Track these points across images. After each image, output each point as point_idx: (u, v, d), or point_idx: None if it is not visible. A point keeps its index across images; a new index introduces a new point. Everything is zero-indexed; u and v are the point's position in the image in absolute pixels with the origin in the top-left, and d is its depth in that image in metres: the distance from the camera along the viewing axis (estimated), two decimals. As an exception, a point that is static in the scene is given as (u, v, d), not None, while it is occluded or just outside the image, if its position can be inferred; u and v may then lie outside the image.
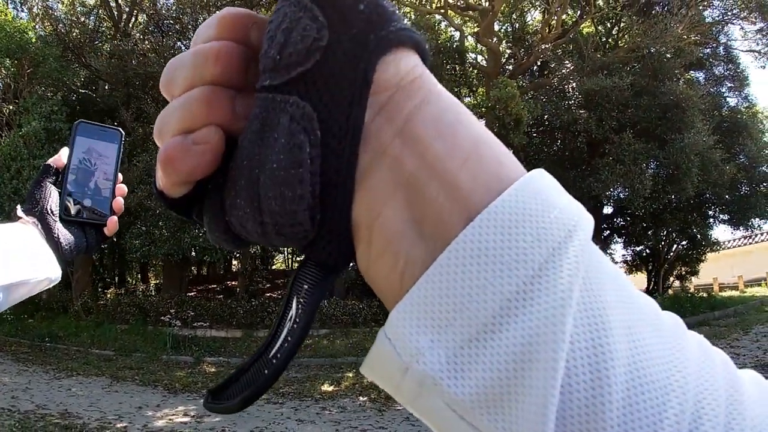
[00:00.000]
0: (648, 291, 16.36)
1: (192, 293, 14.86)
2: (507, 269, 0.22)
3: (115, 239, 11.23)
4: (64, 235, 0.82)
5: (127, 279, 17.48)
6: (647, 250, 18.06)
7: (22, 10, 17.06)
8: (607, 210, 16.86)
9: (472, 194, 0.23)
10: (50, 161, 0.85)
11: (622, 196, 14.49)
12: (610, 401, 0.21)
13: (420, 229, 0.24)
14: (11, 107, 14.84)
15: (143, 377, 9.21)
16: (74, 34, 15.65)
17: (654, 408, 0.21)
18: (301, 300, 0.26)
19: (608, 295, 0.23)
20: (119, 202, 0.89)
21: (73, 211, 0.84)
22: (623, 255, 20.09)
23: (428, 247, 0.23)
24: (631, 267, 19.40)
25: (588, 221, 0.24)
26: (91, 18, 16.34)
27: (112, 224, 0.88)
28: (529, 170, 0.26)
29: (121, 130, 0.91)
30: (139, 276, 17.42)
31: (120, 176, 0.90)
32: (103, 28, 16.12)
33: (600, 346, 0.21)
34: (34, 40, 15.18)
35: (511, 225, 0.22)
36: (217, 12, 0.28)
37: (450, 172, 0.24)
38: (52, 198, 0.83)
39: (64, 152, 0.86)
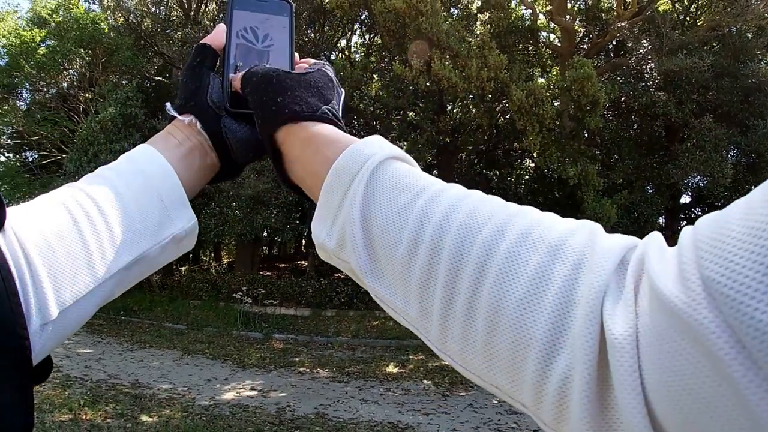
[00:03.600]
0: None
1: (263, 272, 15.18)
2: (336, 191, 0.46)
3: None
4: (234, 132, 0.61)
5: (201, 257, 18.06)
6: (724, 243, 17.05)
7: (94, 3, 17.93)
8: (685, 199, 15.93)
9: (323, 166, 0.49)
10: (205, 40, 0.65)
11: (701, 184, 13.65)
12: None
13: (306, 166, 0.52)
14: (87, 95, 15.65)
15: (213, 351, 9.44)
16: (146, 23, 16.27)
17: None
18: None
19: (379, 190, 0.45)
20: None
21: (242, 101, 0.62)
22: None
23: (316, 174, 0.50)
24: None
25: (377, 155, 0.45)
26: (162, 8, 16.92)
27: None
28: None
29: (290, 1, 0.69)
30: (213, 254, 17.93)
31: (296, 55, 0.69)
32: (174, 17, 16.65)
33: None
34: (106, 30, 15.92)
35: (337, 169, 0.46)
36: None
37: (312, 154, 0.51)
38: (213, 86, 0.62)
39: (220, 30, 0.65)
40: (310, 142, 0.52)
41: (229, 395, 6.79)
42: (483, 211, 0.39)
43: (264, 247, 18.56)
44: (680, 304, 0.26)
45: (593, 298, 0.31)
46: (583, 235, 0.35)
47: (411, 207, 0.42)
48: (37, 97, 17.31)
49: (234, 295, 12.35)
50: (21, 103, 17.86)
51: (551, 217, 0.39)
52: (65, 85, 16.75)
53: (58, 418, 5.29)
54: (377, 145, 0.47)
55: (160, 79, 16.02)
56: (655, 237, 0.34)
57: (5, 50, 16.82)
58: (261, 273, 14.71)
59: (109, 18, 16.45)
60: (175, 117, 0.61)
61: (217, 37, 0.64)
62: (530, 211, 0.40)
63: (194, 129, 0.60)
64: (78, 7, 17.09)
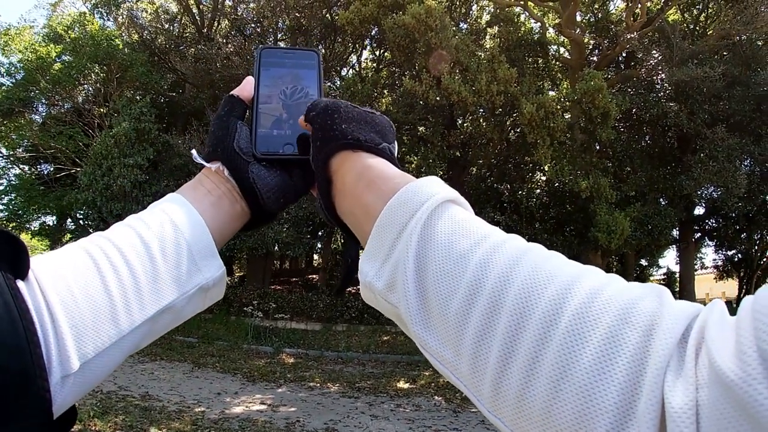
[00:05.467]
0: (739, 299, 15.21)
1: (274, 286, 15.20)
2: (390, 229, 0.45)
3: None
4: (262, 178, 0.60)
5: None
6: (739, 255, 16.96)
7: (108, 20, 18.24)
8: (699, 211, 15.77)
9: (377, 201, 0.48)
10: (234, 91, 0.65)
11: (714, 195, 13.52)
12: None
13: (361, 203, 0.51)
14: (102, 110, 15.89)
15: (224, 365, 9.46)
16: (159, 40, 16.54)
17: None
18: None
19: (437, 234, 0.43)
20: None
21: (271, 147, 0.62)
22: (714, 260, 18.79)
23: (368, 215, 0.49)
24: (722, 272, 18.10)
25: (437, 197, 0.44)
26: (175, 25, 17.20)
27: None
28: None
29: (316, 50, 0.70)
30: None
31: None
32: (187, 34, 16.90)
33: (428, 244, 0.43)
34: (121, 47, 16.19)
35: (394, 206, 0.45)
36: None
37: (365, 190, 0.51)
38: (240, 134, 0.61)
39: (249, 81, 0.66)
40: (366, 173, 0.51)
41: (238, 409, 6.79)
42: (548, 267, 0.38)
43: (275, 262, 18.52)
44: (736, 379, 0.26)
45: (659, 368, 0.30)
46: (652, 299, 0.34)
47: (471, 255, 0.40)
48: (52, 111, 17.58)
49: (245, 308, 12.38)
50: (36, 117, 18.13)
51: (617, 279, 0.37)
52: (80, 99, 17.01)
53: (67, 429, 5.30)
54: (436, 185, 0.46)
55: (173, 94, 16.24)
56: (717, 305, 0.33)
57: (21, 65, 17.15)
58: (272, 287, 14.75)
59: (123, 34, 16.74)
60: (203, 165, 0.61)
61: (245, 88, 0.65)
62: (596, 272, 0.38)
63: (222, 176, 0.59)
64: (93, 24, 17.43)
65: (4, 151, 19.56)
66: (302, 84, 0.67)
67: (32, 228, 19.91)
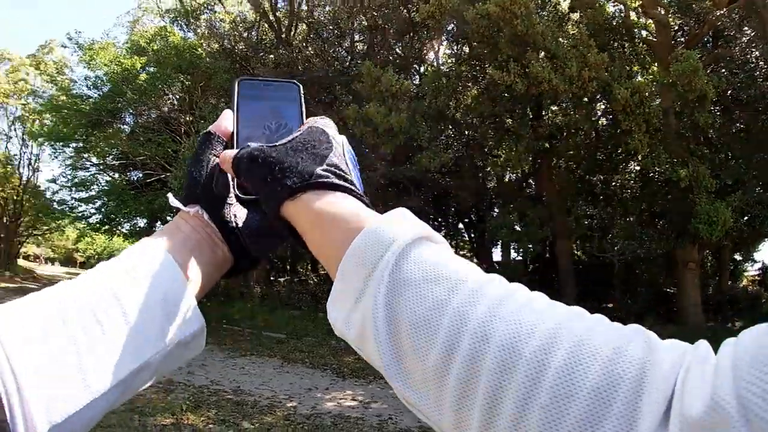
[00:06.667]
0: None
1: None
2: (353, 278, 0.42)
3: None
4: (245, 221, 0.58)
5: (298, 268, 18.74)
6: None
7: (189, 31, 19.08)
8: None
9: (336, 250, 0.44)
10: (211, 128, 0.61)
11: (820, 182, 12.51)
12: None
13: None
14: (188, 117, 16.65)
15: (313, 360, 9.50)
16: (239, 47, 17.13)
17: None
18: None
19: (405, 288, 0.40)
20: None
21: None
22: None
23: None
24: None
25: (402, 238, 0.41)
26: (254, 32, 17.76)
27: None
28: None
29: (296, 82, 0.66)
30: (309, 266, 18.50)
31: None
32: (266, 40, 17.41)
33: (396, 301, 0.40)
34: (203, 56, 16.91)
35: (354, 255, 0.42)
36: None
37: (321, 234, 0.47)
38: (219, 174, 0.57)
39: (227, 116, 0.61)
40: (315, 222, 0.47)
41: (330, 404, 6.75)
42: (529, 317, 0.35)
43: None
44: (708, 425, 0.26)
45: (649, 429, 0.29)
46: (640, 345, 0.33)
47: (446, 304, 0.37)
48: (139, 120, 18.56)
49: None
50: (125, 127, 19.21)
51: (602, 321, 0.36)
52: (166, 109, 17.89)
53: (161, 422, 5.35)
54: (400, 223, 0.43)
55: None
56: (700, 348, 0.33)
57: (107, 77, 18.20)
58: None
59: (204, 44, 17.46)
60: (179, 208, 0.57)
61: (223, 123, 0.61)
62: (580, 315, 0.36)
63: (201, 220, 0.56)
64: (174, 35, 18.28)
65: (94, 159, 20.89)
66: (284, 119, 0.62)
67: (124, 230, 21.10)
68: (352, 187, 0.50)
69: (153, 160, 16.68)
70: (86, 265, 46.82)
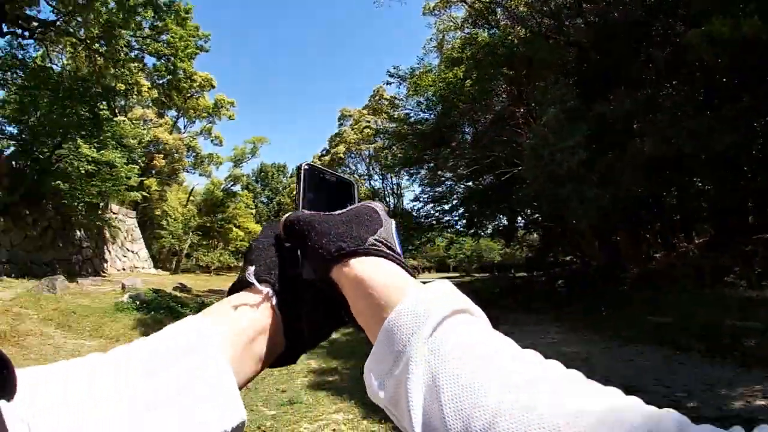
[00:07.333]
0: None
1: (748, 247, 11.69)
2: (384, 359, 0.42)
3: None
4: (309, 314, 0.56)
5: (671, 241, 15.95)
6: None
7: (493, 28, 19.05)
8: None
9: (371, 316, 0.47)
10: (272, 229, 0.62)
11: None
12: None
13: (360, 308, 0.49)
14: (521, 109, 16.83)
15: (707, 347, 7.84)
16: (545, 22, 16.41)
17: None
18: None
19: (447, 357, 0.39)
20: None
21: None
22: None
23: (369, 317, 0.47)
24: None
25: (438, 313, 0.42)
26: (551, 3, 16.78)
27: None
28: None
29: (353, 180, 0.69)
30: (683, 235, 15.62)
31: None
32: (568, 5, 16.27)
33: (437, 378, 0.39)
34: (515, 43, 16.80)
35: (388, 329, 0.43)
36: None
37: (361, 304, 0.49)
38: (287, 259, 0.58)
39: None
40: (359, 285, 0.49)
41: (737, 404, 5.18)
42: (571, 406, 0.34)
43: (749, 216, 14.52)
44: None
45: None
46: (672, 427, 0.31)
47: (486, 389, 0.37)
48: (477, 127, 19.70)
49: (725, 278, 10.44)
50: (467, 136, 20.63)
51: (631, 404, 0.34)
52: (498, 108, 18.51)
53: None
54: (436, 297, 0.44)
55: (574, 65, 15.79)
56: None
57: (435, 97, 19.87)
58: (746, 248, 11.57)
59: (511, 33, 17.39)
60: (252, 283, 0.55)
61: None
62: (616, 395, 0.36)
63: (268, 302, 0.54)
64: (481, 35, 18.82)
65: (448, 174, 23.25)
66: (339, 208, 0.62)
67: (488, 231, 22.79)
68: (401, 258, 0.52)
69: (501, 159, 17.33)
70: (458, 268, 52.60)
